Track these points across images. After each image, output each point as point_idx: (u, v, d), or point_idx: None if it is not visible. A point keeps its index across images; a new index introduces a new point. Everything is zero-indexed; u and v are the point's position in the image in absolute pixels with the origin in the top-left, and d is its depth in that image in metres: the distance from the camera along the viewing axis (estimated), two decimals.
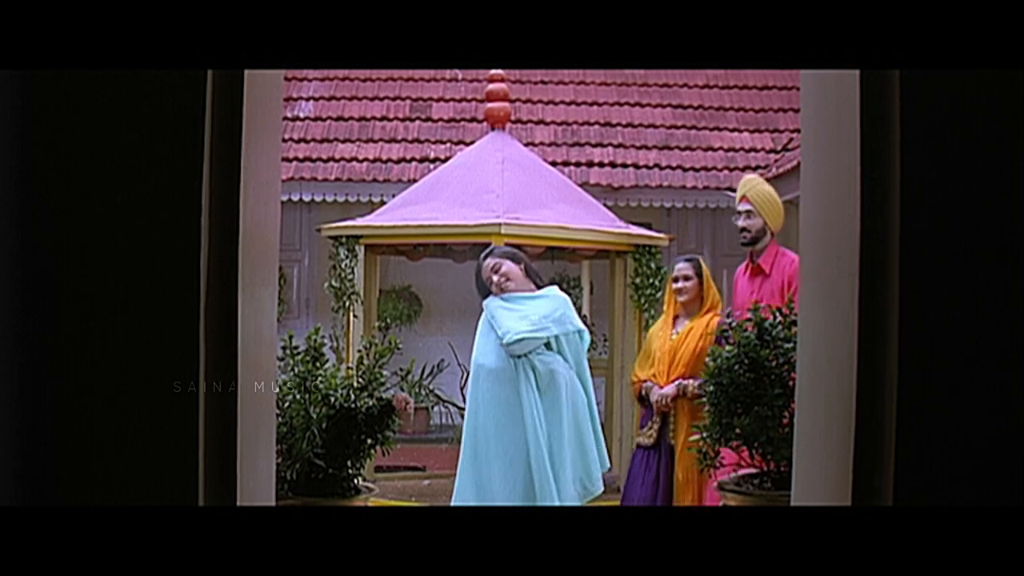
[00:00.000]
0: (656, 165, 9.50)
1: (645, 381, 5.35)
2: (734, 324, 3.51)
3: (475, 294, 5.40)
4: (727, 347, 3.48)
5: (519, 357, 4.98)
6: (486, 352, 5.06)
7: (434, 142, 9.81)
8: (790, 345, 3.29)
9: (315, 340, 3.55)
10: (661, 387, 5.25)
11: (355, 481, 3.52)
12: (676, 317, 5.49)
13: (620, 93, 10.36)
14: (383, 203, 7.78)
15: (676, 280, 5.44)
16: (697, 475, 5.07)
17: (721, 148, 9.76)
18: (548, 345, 5.04)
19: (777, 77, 10.36)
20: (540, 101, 10.31)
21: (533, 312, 5.05)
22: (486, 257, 5.25)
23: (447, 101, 10.28)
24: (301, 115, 10.01)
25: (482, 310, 5.18)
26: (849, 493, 1.98)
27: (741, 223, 5.29)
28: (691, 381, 5.15)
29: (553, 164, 8.43)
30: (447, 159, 8.28)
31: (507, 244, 6.36)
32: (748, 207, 5.26)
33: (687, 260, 5.57)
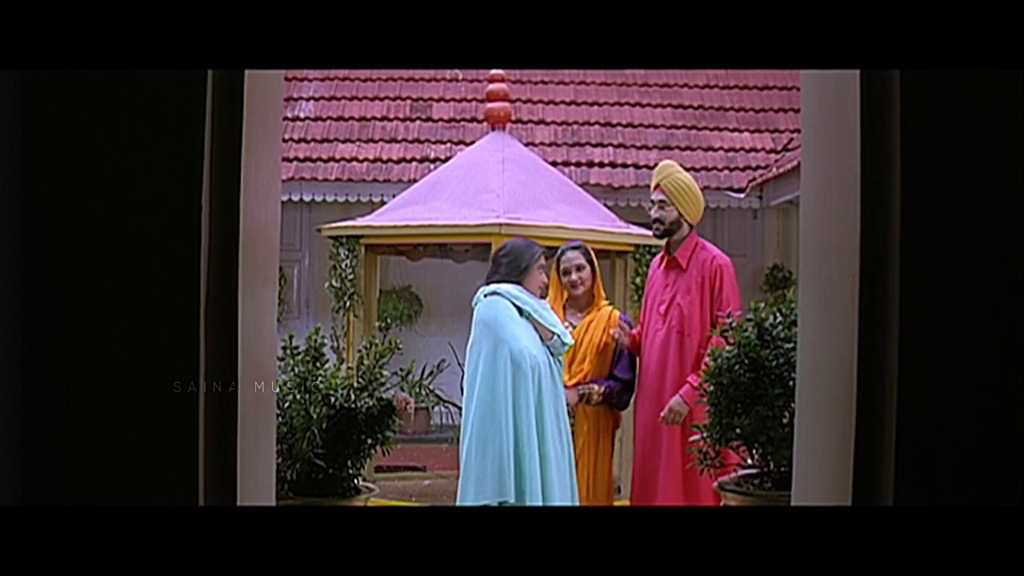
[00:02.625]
0: (656, 165, 9.50)
1: None
2: (733, 324, 3.51)
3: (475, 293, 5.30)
4: (727, 347, 3.48)
5: (555, 353, 4.73)
6: (533, 344, 4.63)
7: (434, 142, 9.82)
8: (790, 345, 3.29)
9: (315, 340, 3.56)
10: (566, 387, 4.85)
11: (355, 481, 3.53)
12: (564, 309, 5.08)
13: (620, 93, 10.37)
14: (383, 203, 7.78)
15: (567, 272, 5.02)
16: (595, 490, 4.87)
17: (721, 148, 9.76)
18: None
19: (777, 77, 10.36)
20: (540, 101, 10.31)
21: (557, 319, 4.81)
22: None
23: (447, 101, 10.29)
24: (301, 115, 10.02)
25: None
26: (849, 493, 1.98)
27: (654, 214, 4.96)
28: (595, 386, 4.91)
29: (553, 164, 8.43)
30: (447, 159, 8.29)
31: None
32: (661, 197, 4.92)
33: (575, 248, 5.11)
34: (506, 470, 4.47)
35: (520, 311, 4.68)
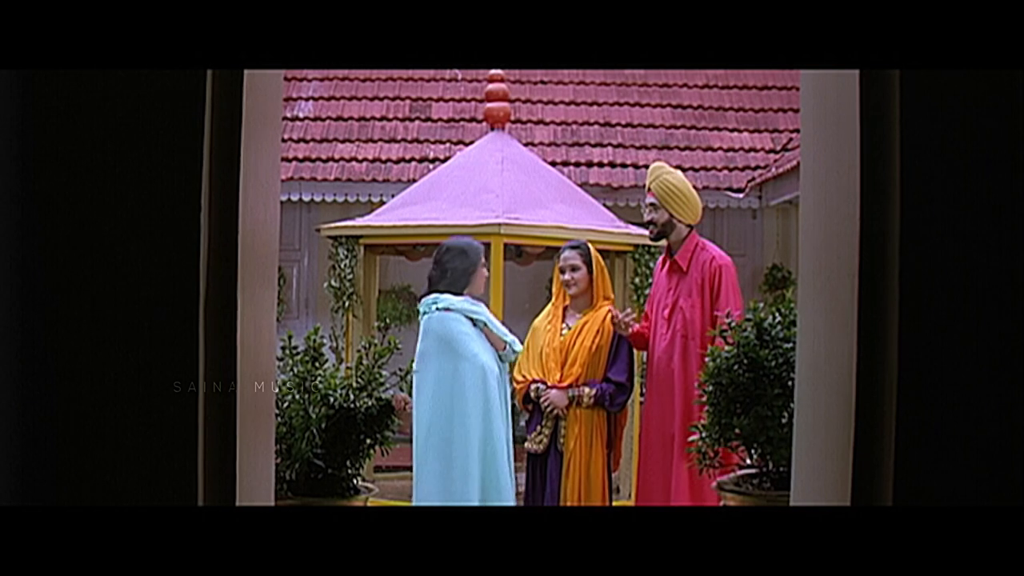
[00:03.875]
0: None
1: (535, 381, 4.96)
2: (733, 324, 3.51)
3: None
4: (726, 347, 3.48)
5: (505, 361, 5.02)
6: (491, 357, 4.92)
7: (434, 142, 9.81)
8: (790, 345, 3.29)
9: (315, 340, 3.55)
10: (548, 387, 4.91)
11: (355, 481, 3.53)
12: (565, 309, 5.09)
13: (620, 93, 10.36)
14: (383, 203, 7.78)
15: (563, 271, 5.01)
16: (588, 492, 4.87)
17: (721, 148, 9.75)
18: None
19: (777, 77, 10.35)
20: (540, 101, 10.30)
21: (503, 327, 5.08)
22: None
23: (447, 101, 10.27)
24: (301, 115, 10.01)
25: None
26: (849, 493, 1.98)
27: (646, 216, 4.96)
28: (586, 389, 4.88)
29: (553, 164, 8.42)
30: (447, 159, 8.28)
31: (506, 244, 6.37)
32: (652, 199, 4.91)
33: (573, 247, 5.07)
34: (471, 486, 4.76)
35: (474, 322, 4.90)
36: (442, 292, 4.93)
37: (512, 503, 4.94)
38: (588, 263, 5.01)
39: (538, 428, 4.96)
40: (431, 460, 4.81)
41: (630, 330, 4.93)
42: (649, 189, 4.96)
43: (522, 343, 5.21)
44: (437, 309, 4.89)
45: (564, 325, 5.04)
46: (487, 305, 5.29)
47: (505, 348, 4.94)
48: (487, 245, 6.25)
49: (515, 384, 5.11)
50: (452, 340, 4.84)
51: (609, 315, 4.97)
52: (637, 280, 6.79)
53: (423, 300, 4.99)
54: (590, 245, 5.13)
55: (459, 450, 4.79)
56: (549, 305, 5.26)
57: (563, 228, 6.41)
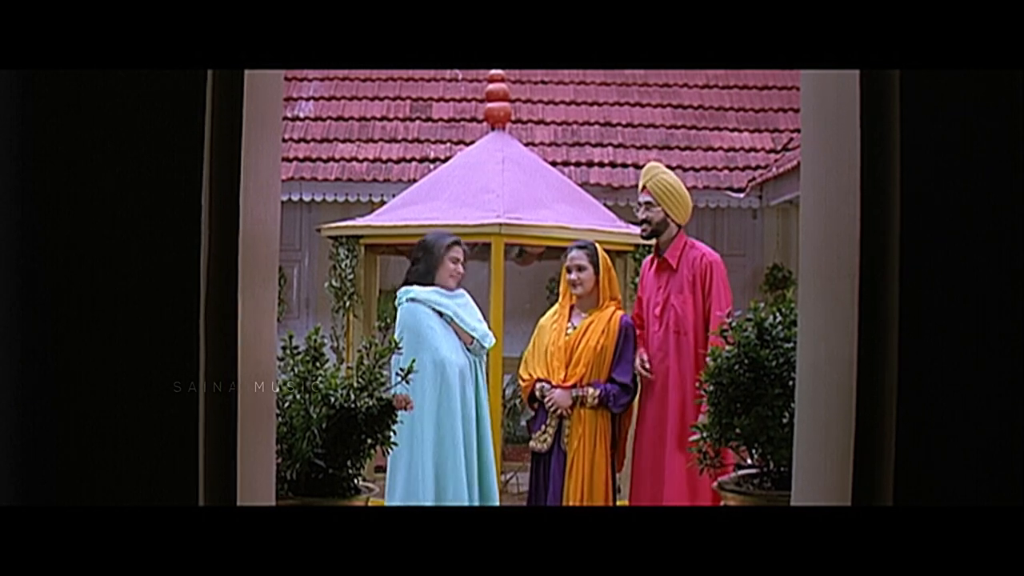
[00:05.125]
0: None
1: (539, 380, 4.97)
2: (734, 324, 3.51)
3: (474, 293, 5.33)
4: (727, 347, 3.48)
5: (475, 355, 5.07)
6: (454, 349, 4.96)
7: (434, 142, 9.80)
8: (790, 345, 3.29)
9: (315, 340, 3.56)
10: (553, 387, 4.93)
11: (355, 481, 3.53)
12: (571, 308, 5.09)
13: (620, 93, 10.35)
14: (383, 203, 7.77)
15: (569, 271, 5.03)
16: (591, 492, 4.87)
17: (721, 148, 9.75)
18: None
19: (777, 77, 10.34)
20: (540, 101, 10.30)
21: (477, 312, 5.11)
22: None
23: (447, 101, 10.27)
24: (301, 115, 10.00)
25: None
26: (849, 493, 1.98)
27: (641, 215, 5.01)
28: (590, 389, 4.88)
29: (553, 164, 8.42)
30: (447, 159, 8.28)
31: (507, 244, 6.37)
32: (647, 198, 4.96)
33: (580, 247, 5.08)
34: (428, 482, 4.84)
35: (441, 314, 4.96)
36: (412, 285, 5.04)
37: (467, 501, 4.93)
38: (595, 264, 5.03)
39: (542, 427, 4.97)
40: (401, 451, 4.81)
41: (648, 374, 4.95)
42: (644, 188, 5.02)
43: (525, 343, 5.22)
44: (408, 300, 4.98)
45: (569, 324, 5.05)
46: (487, 304, 5.29)
47: (473, 342, 5.00)
48: (487, 245, 6.27)
49: (520, 382, 5.13)
50: (416, 331, 4.91)
51: (617, 315, 5.00)
52: (637, 280, 6.79)
53: (398, 292, 5.10)
54: (598, 246, 5.14)
55: (416, 444, 4.86)
56: (556, 304, 5.27)
57: (564, 228, 6.40)
